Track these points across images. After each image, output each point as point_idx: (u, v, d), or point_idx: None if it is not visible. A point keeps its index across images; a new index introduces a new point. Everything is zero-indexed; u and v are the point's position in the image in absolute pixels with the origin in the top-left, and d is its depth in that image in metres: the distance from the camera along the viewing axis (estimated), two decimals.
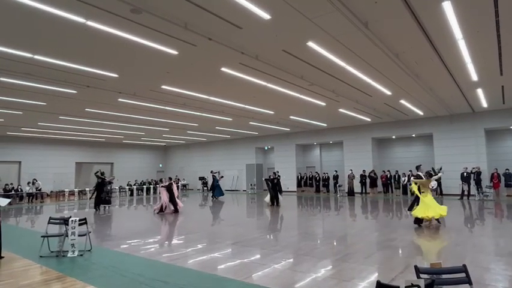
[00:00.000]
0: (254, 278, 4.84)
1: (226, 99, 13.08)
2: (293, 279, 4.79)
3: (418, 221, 8.70)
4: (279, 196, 15.05)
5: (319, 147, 25.09)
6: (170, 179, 14.39)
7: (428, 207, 8.44)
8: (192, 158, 30.38)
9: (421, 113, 16.83)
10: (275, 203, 14.88)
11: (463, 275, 2.90)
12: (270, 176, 15.97)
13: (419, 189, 8.84)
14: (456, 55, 8.69)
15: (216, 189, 19.42)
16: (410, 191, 18.18)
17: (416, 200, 9.64)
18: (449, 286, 2.93)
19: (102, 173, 15.58)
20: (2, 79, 9.61)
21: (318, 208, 14.67)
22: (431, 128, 18.37)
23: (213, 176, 20.06)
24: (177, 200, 13.42)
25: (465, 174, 16.05)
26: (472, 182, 15.91)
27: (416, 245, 7.14)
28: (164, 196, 13.22)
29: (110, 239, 8.48)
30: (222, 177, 20.63)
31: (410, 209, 10.43)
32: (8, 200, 6.97)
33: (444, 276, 2.97)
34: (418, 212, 8.57)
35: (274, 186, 15.06)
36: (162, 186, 13.54)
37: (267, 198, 15.31)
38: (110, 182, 15.88)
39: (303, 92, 12.04)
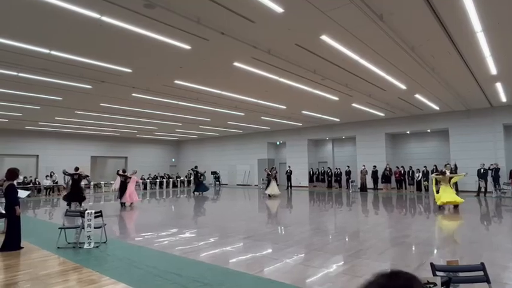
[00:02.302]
0: (266, 272, 4.87)
1: (238, 93, 13.07)
2: (305, 274, 4.78)
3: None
4: (269, 188, 17.49)
5: (331, 143, 24.87)
6: (124, 171, 14.85)
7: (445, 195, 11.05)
8: (204, 152, 30.59)
9: (436, 107, 16.45)
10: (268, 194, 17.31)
11: (481, 273, 2.84)
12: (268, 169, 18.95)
13: (437, 183, 11.51)
14: (475, 48, 8.42)
15: (200, 186, 20.12)
16: (425, 187, 18.10)
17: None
18: (466, 284, 2.87)
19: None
20: (20, 74, 9.84)
21: (330, 204, 14.59)
22: (447, 123, 17.93)
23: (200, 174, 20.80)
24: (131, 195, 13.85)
25: (482, 170, 15.67)
26: (490, 179, 15.52)
27: (430, 242, 7.02)
28: (117, 183, 14.34)
29: (124, 232, 8.64)
30: (201, 174, 20.61)
31: None
32: (28, 192, 7.19)
33: (461, 274, 2.92)
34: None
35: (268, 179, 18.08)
36: (118, 174, 14.51)
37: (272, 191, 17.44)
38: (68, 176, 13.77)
39: (315, 87, 11.91)
